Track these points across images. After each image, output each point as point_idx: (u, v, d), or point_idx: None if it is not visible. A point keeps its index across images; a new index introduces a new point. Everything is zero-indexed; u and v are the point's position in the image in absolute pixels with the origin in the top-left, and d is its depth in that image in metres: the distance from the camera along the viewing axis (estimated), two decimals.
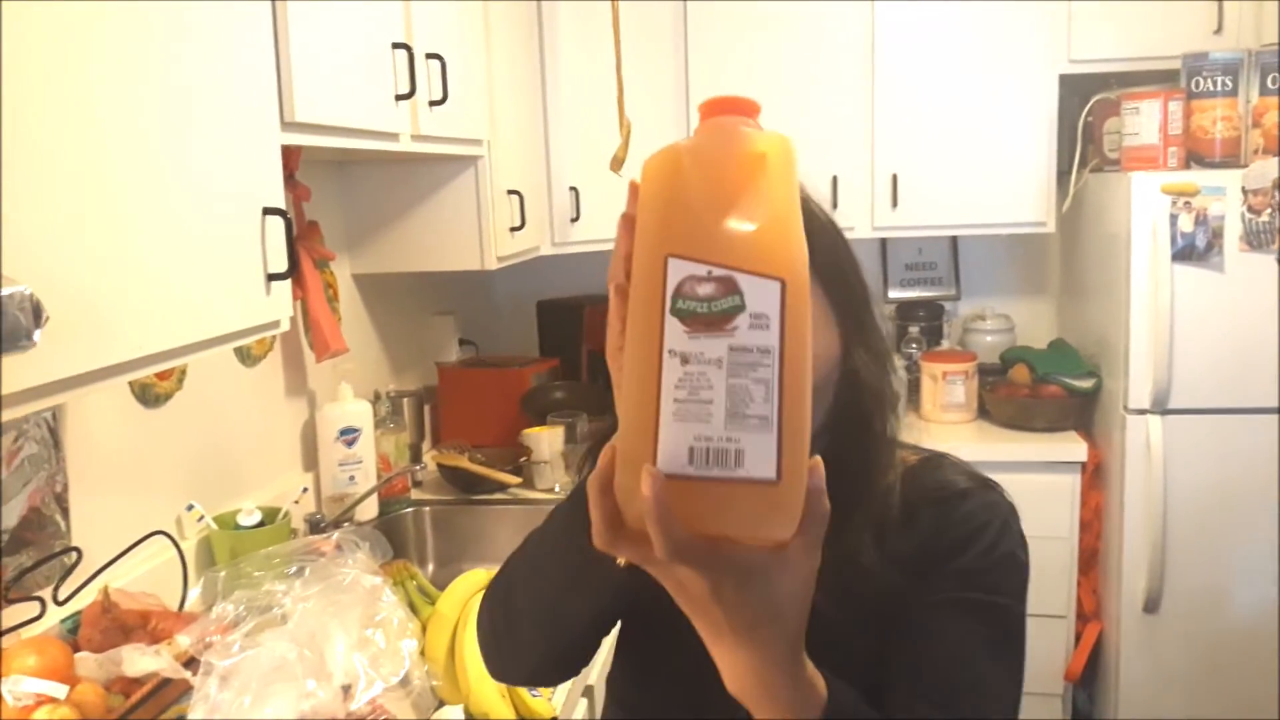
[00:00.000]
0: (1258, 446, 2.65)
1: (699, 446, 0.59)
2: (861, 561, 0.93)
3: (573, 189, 2.91)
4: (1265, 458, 2.65)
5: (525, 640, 1.00)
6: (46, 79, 1.03)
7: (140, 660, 1.53)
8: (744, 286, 0.59)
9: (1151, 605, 2.76)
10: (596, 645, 1.01)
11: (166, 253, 1.24)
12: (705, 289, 0.59)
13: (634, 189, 0.65)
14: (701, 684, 0.75)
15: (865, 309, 0.99)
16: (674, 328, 0.59)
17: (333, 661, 1.38)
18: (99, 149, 1.12)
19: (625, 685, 1.12)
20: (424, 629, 1.55)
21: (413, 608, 1.59)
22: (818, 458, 0.62)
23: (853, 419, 0.96)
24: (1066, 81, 3.02)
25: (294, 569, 1.54)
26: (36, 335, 0.92)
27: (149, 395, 1.88)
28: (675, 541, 0.59)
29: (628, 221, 0.65)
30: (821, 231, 0.96)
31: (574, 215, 2.92)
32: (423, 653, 1.48)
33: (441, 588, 1.71)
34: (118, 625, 1.64)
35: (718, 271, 0.60)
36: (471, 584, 1.55)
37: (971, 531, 0.97)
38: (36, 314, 0.91)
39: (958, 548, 0.96)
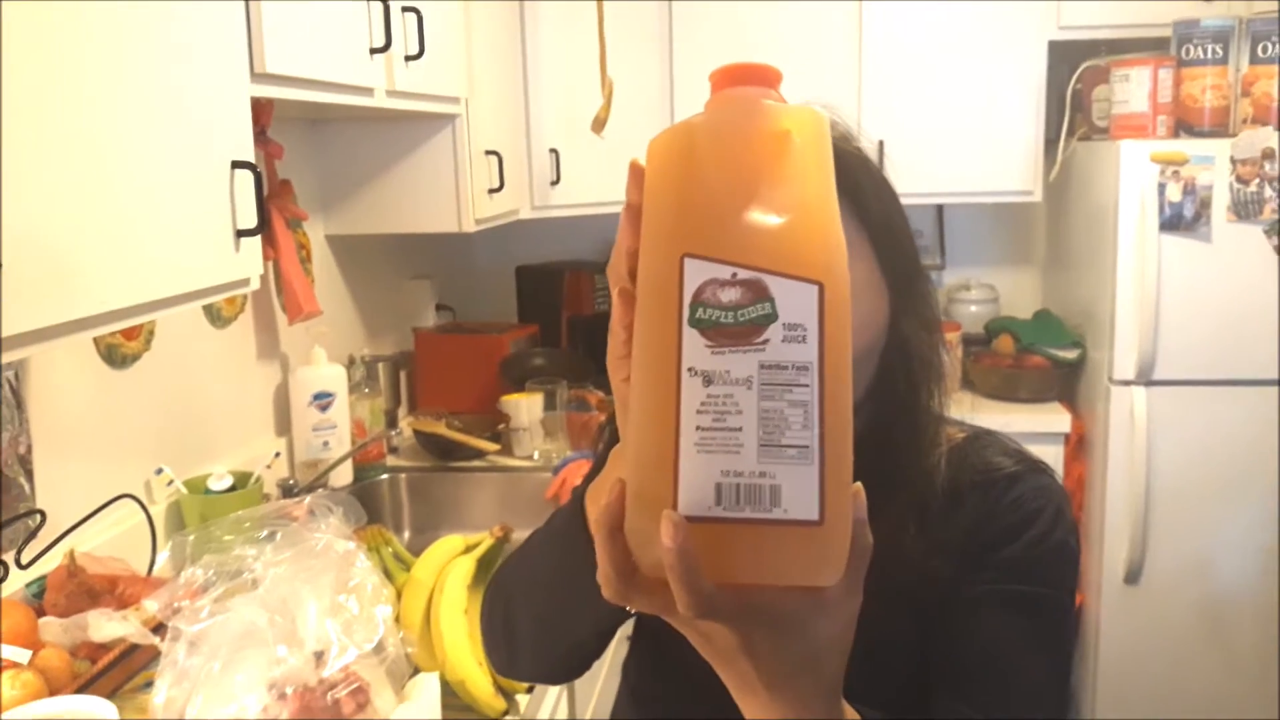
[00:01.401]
0: (1243, 418, 2.65)
1: (727, 483, 0.50)
2: (903, 544, 0.87)
3: (553, 151, 2.85)
4: (1250, 430, 2.64)
5: (527, 646, 0.95)
6: (4, 31, 0.98)
7: (107, 625, 1.49)
8: (775, 291, 0.51)
9: (1132, 577, 2.76)
10: (603, 647, 0.94)
11: (132, 205, 1.21)
12: (729, 295, 0.51)
13: (636, 172, 0.56)
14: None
15: (917, 275, 0.93)
16: (694, 341, 0.51)
17: (304, 628, 1.34)
18: (60, 97, 1.08)
19: (640, 676, 1.07)
20: (399, 595, 1.52)
21: (387, 574, 1.55)
22: (859, 485, 0.54)
23: (898, 390, 0.91)
24: (1055, 49, 2.98)
25: (265, 533, 1.49)
26: None
27: (116, 356, 1.83)
28: (701, 597, 0.51)
29: (632, 213, 0.56)
30: (876, 189, 0.91)
31: (554, 178, 2.86)
32: (397, 619, 1.44)
33: (417, 555, 1.67)
34: (84, 590, 1.60)
35: (743, 273, 0.51)
36: (447, 550, 1.51)
37: (1021, 519, 0.91)
38: None
39: (1006, 536, 0.90)
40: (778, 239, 0.52)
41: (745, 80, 0.56)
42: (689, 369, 0.51)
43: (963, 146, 3.00)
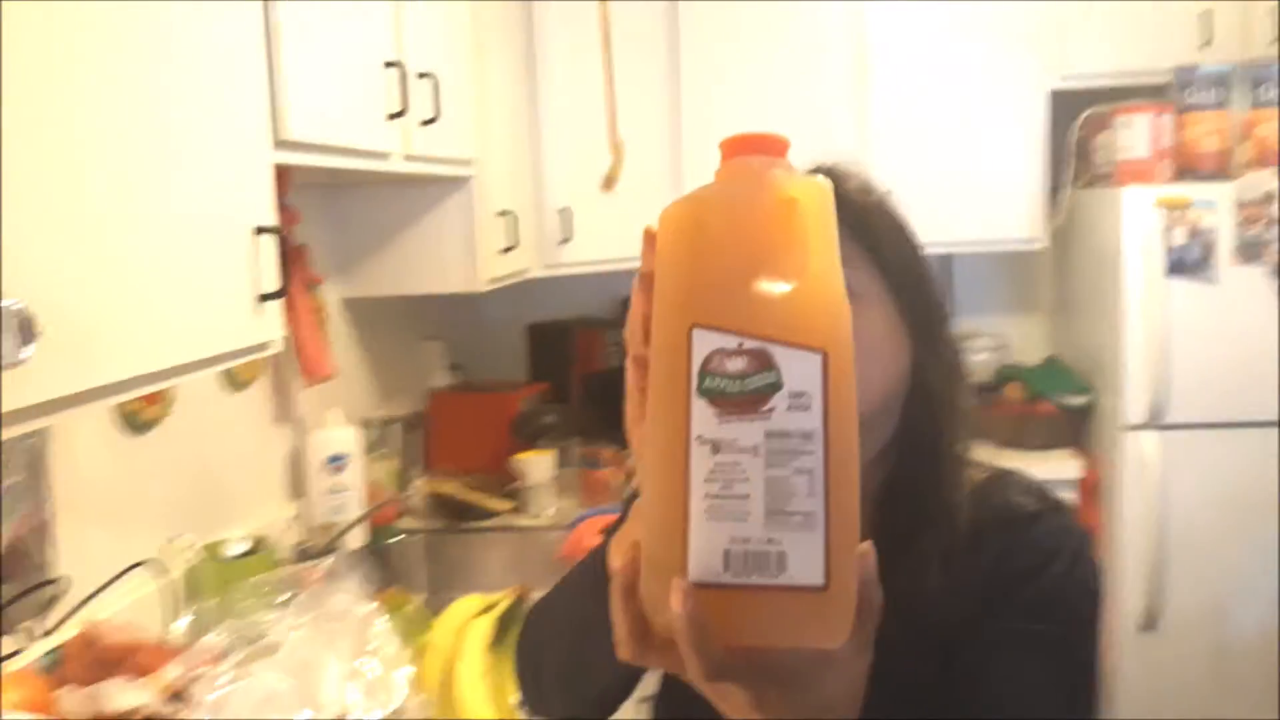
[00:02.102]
0: (1257, 461, 2.63)
1: (735, 550, 0.52)
2: (926, 586, 0.87)
3: (564, 210, 2.88)
4: (1264, 472, 2.63)
5: (555, 690, 0.95)
6: (33, 94, 1.00)
7: (124, 695, 1.48)
8: (780, 361, 0.52)
9: (1149, 624, 2.73)
10: (631, 688, 0.94)
11: (156, 272, 1.21)
12: (736, 364, 0.53)
13: (649, 240, 0.58)
14: None
15: (939, 320, 0.94)
16: (702, 410, 0.53)
17: (325, 692, 1.34)
18: (87, 166, 1.09)
19: (670, 712, 1.06)
20: (418, 656, 1.51)
21: (405, 637, 1.55)
22: (867, 545, 0.55)
23: (922, 435, 0.91)
24: (1057, 98, 3.01)
25: (283, 598, 1.49)
26: (27, 351, 0.88)
27: (135, 421, 1.83)
28: (711, 661, 0.53)
29: (645, 282, 0.58)
30: (894, 236, 0.92)
31: (565, 237, 2.89)
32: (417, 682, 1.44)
33: (434, 615, 1.67)
34: (102, 659, 1.59)
35: (749, 343, 0.53)
36: (464, 611, 1.51)
37: (1041, 559, 0.91)
38: (28, 330, 0.87)
39: (1026, 576, 0.90)
40: (782, 308, 0.53)
41: (753, 149, 0.58)
42: (698, 437, 0.53)
43: (968, 196, 3.02)
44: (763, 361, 0.53)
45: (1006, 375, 3.16)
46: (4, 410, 0.94)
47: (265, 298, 1.45)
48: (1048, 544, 0.92)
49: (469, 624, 1.49)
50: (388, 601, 1.61)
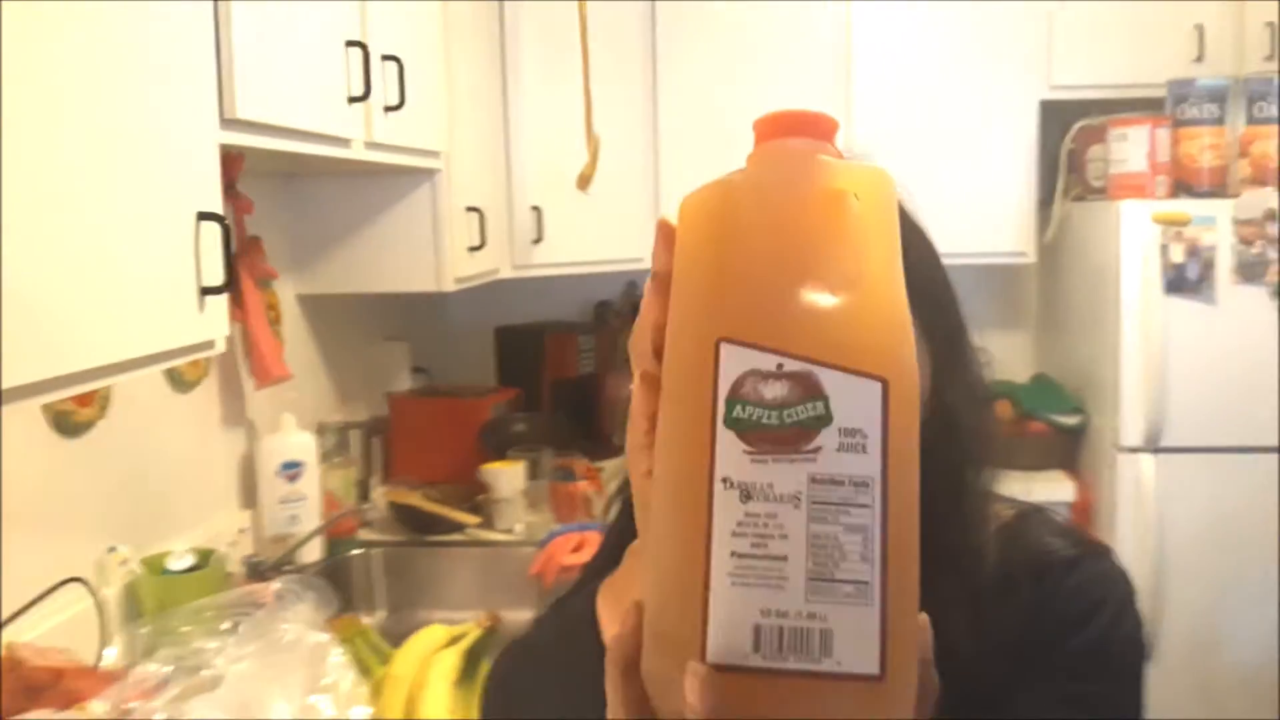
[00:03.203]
0: (1255, 487, 2.55)
1: (768, 625, 0.41)
2: (947, 641, 0.76)
3: (535, 208, 2.75)
4: (1263, 499, 2.55)
5: None
6: None
7: None
8: (830, 388, 0.43)
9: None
10: None
11: (83, 259, 1.10)
12: (774, 390, 0.43)
13: (665, 233, 0.48)
14: None
15: (961, 337, 0.85)
16: (730, 446, 0.43)
17: None
18: (19, 140, 0.98)
19: None
20: (376, 691, 1.37)
21: (363, 668, 1.41)
22: (924, 617, 0.45)
23: (942, 467, 0.80)
24: (1047, 108, 2.94)
25: (228, 624, 1.35)
26: None
27: (67, 423, 1.68)
28: None
29: (659, 283, 0.48)
30: (917, 246, 0.83)
31: (536, 236, 2.76)
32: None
33: (395, 637, 1.54)
34: (24, 685, 1.44)
35: (792, 365, 0.43)
36: (430, 641, 1.37)
37: (1082, 611, 0.81)
38: None
39: (1066, 630, 0.80)
40: (834, 323, 0.44)
41: (796, 130, 0.48)
42: (723, 480, 0.42)
43: (954, 207, 2.92)
44: (808, 388, 0.43)
45: (994, 392, 3.07)
46: None
47: (208, 291, 1.31)
48: (1091, 593, 0.82)
49: (434, 656, 1.35)
50: (344, 628, 1.47)
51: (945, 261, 2.95)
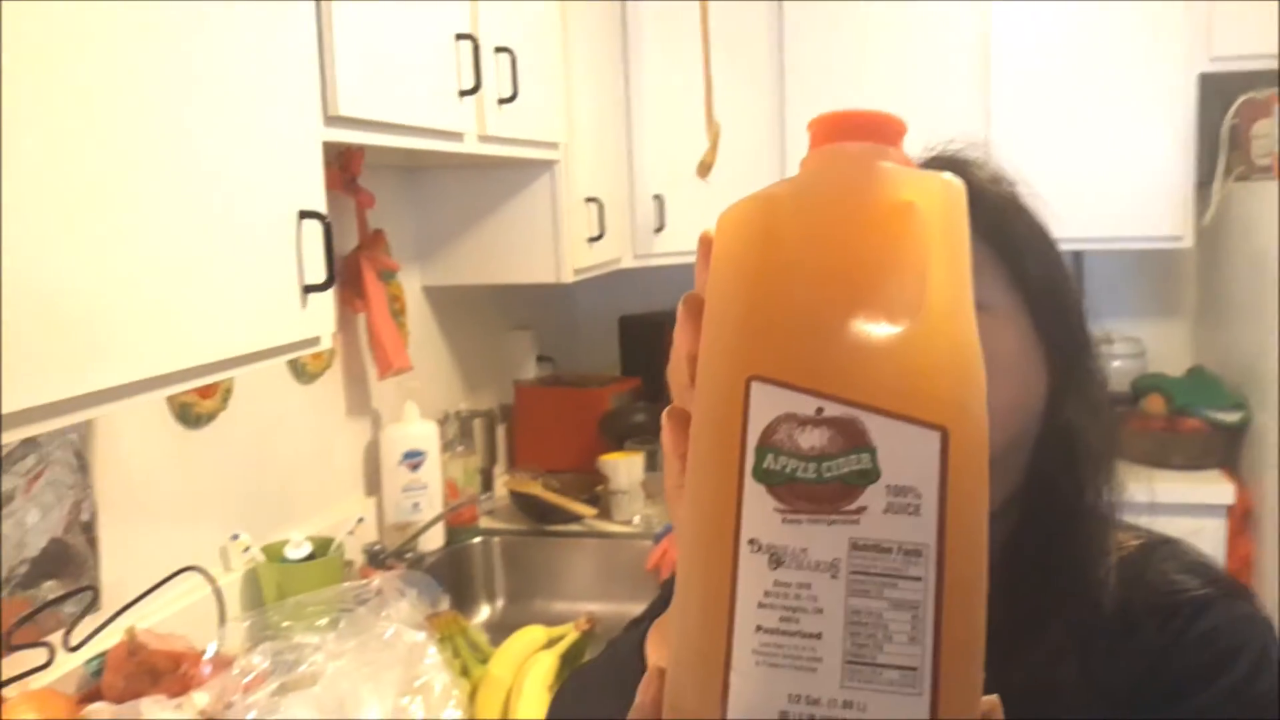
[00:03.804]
0: None
1: (797, 713, 0.36)
2: (1058, 683, 0.70)
3: (657, 197, 2.71)
4: None
5: None
6: (52, 71, 0.91)
7: (159, 716, 1.37)
8: (878, 437, 0.36)
9: None
10: None
11: (187, 257, 1.11)
12: (812, 438, 0.37)
13: (705, 249, 0.42)
14: None
15: (1084, 347, 0.77)
16: (759, 501, 0.37)
17: None
18: (115, 140, 1.00)
19: None
20: (474, 691, 1.36)
21: (463, 669, 1.40)
22: (993, 701, 0.39)
23: (1056, 489, 0.74)
24: (1207, 81, 2.72)
25: (329, 619, 1.36)
26: None
27: (189, 415, 1.73)
28: None
29: (692, 308, 0.43)
30: (1036, 242, 0.77)
31: (658, 225, 2.72)
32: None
33: (509, 628, 1.53)
34: (145, 669, 1.49)
35: (833, 409, 0.37)
36: (528, 643, 1.36)
37: (1214, 659, 0.72)
38: None
39: (1192, 682, 0.71)
40: (887, 360, 0.37)
41: (855, 132, 0.42)
42: (750, 541, 0.37)
43: (1104, 188, 2.76)
44: (852, 437, 0.36)
45: (1146, 386, 2.88)
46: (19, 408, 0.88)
47: (311, 289, 1.32)
48: (1225, 641, 0.73)
49: (531, 659, 1.34)
50: (444, 625, 1.47)
51: (1094, 247, 2.78)
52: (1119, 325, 3.13)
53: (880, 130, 0.42)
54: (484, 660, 1.44)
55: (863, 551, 0.36)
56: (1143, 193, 2.75)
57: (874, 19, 2.83)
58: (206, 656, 1.30)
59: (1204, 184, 2.77)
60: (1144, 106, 2.73)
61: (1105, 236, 2.77)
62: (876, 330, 0.37)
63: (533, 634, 1.39)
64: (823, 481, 0.36)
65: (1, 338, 0.87)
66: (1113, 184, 2.75)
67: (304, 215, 1.31)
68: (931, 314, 0.38)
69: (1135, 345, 3.09)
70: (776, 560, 0.36)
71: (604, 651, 0.82)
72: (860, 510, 0.36)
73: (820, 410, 0.37)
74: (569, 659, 1.36)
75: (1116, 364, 3.04)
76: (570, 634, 1.39)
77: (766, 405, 0.37)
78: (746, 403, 0.38)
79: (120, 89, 1.01)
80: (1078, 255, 3.14)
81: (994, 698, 0.39)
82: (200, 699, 1.27)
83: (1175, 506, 2.54)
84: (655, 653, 0.66)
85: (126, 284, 1.02)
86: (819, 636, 0.36)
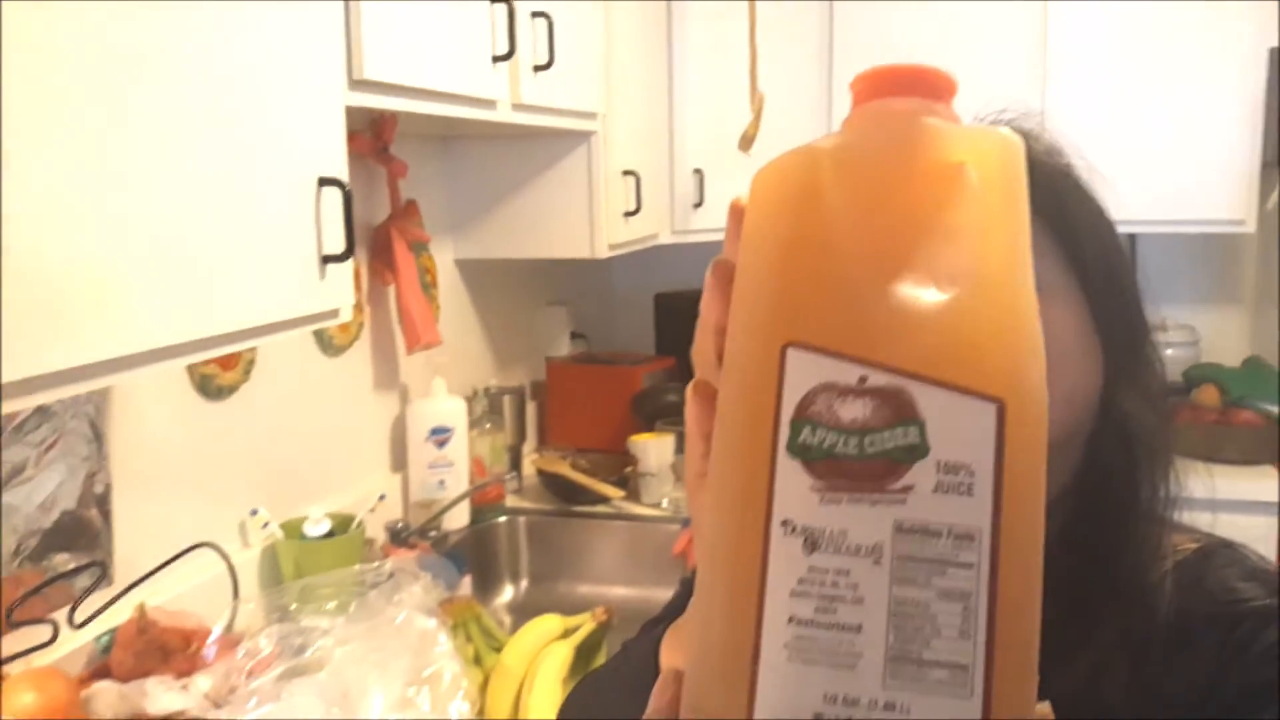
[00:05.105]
0: None
1: (833, 716, 0.32)
2: (1107, 694, 0.65)
3: (697, 171, 2.64)
4: None
5: None
6: (67, 32, 0.87)
7: (165, 697, 1.34)
8: (927, 410, 0.33)
9: None
10: None
11: (200, 226, 1.07)
12: (854, 410, 0.33)
13: (736, 216, 0.39)
14: None
15: (1142, 335, 0.73)
16: (794, 479, 0.33)
17: None
18: (129, 101, 0.96)
19: None
20: (486, 680, 1.31)
21: (476, 656, 1.35)
22: (1046, 708, 0.36)
23: (1112, 486, 0.70)
24: (1278, 57, 2.59)
25: (339, 602, 1.32)
26: None
27: (210, 387, 1.69)
28: None
29: (721, 275, 0.39)
30: (1093, 222, 0.72)
31: (698, 200, 2.65)
32: (479, 712, 1.24)
33: (530, 611, 1.49)
34: (155, 646, 1.46)
35: (878, 378, 0.33)
36: (542, 633, 1.31)
37: (1277, 675, 0.66)
38: None
39: (1255, 699, 0.66)
40: (938, 326, 0.34)
41: (902, 89, 0.39)
42: (783, 522, 0.33)
43: (1162, 168, 2.65)
44: (899, 409, 0.33)
45: (1199, 376, 2.78)
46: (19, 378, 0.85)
47: (329, 260, 1.27)
48: None
49: (546, 649, 1.29)
50: (458, 611, 1.42)
51: (1151, 230, 2.64)
52: (1172, 312, 3.03)
53: (929, 85, 0.39)
54: (497, 648, 1.39)
55: (909, 535, 0.32)
56: (1204, 173, 2.64)
57: None
58: (211, 638, 1.26)
59: (1270, 165, 2.65)
60: (1209, 81, 2.61)
61: (1163, 219, 2.66)
62: (926, 294, 0.34)
63: (548, 623, 1.34)
64: (865, 457, 0.33)
65: (2, 302, 0.83)
66: (1173, 163, 2.64)
67: (324, 182, 1.26)
68: (987, 278, 0.34)
69: (1189, 333, 2.99)
70: (812, 544, 0.33)
71: (617, 654, 0.79)
72: (906, 489, 0.32)
73: (863, 379, 0.33)
74: (584, 650, 1.31)
75: (1169, 352, 2.93)
76: (587, 624, 1.34)
77: (804, 374, 0.34)
78: (782, 372, 0.34)
79: (136, 49, 0.97)
80: (1132, 238, 3.03)
81: (1046, 704, 0.37)
82: (203, 682, 1.23)
83: (1227, 503, 2.45)
84: (671, 657, 0.62)
85: (134, 250, 0.98)
86: (859, 629, 0.32)
